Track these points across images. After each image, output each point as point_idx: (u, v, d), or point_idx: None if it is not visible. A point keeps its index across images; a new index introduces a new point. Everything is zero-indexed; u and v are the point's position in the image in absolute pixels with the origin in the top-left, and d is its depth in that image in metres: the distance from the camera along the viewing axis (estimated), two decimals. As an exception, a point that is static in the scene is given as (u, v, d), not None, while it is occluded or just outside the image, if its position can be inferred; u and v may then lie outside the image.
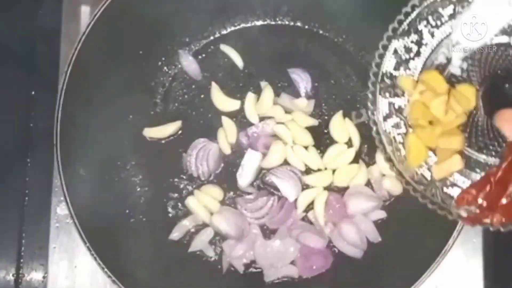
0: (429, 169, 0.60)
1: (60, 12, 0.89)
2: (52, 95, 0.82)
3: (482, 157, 0.59)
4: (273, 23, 0.92)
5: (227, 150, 0.88)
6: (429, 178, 0.59)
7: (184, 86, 0.91)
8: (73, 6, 0.89)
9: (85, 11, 0.89)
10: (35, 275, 0.85)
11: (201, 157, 0.87)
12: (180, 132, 0.90)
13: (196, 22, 0.90)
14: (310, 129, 0.88)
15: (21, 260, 0.85)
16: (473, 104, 0.58)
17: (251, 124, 0.88)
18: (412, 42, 0.61)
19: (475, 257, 0.83)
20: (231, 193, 0.88)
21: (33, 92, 0.90)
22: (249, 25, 0.92)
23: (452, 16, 0.58)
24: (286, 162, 0.87)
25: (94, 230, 0.77)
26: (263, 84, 0.89)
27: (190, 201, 0.86)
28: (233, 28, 0.92)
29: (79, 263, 0.84)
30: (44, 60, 0.89)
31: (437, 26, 0.59)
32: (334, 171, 0.87)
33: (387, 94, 0.61)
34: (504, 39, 0.58)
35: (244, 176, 0.86)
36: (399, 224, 0.84)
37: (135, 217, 0.85)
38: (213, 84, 0.90)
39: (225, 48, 0.91)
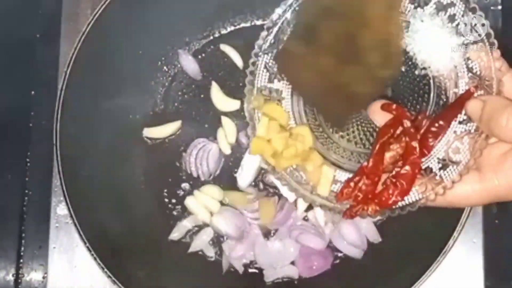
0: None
1: (60, 12, 0.89)
2: (52, 95, 0.82)
3: (360, 150, 0.61)
4: (273, 23, 0.92)
5: (227, 150, 0.88)
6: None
7: (184, 86, 0.91)
8: (73, 6, 0.89)
9: (85, 11, 0.89)
10: (35, 275, 0.85)
11: (201, 157, 0.87)
12: (180, 132, 0.90)
13: (196, 22, 0.90)
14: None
15: (21, 260, 0.85)
16: (309, 143, 0.59)
17: (251, 124, 0.88)
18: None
19: (475, 257, 0.83)
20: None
21: (33, 92, 0.90)
22: (249, 25, 0.92)
23: None
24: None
25: (94, 230, 0.77)
26: (263, 84, 0.89)
27: (190, 201, 0.86)
28: (233, 28, 0.92)
29: (79, 263, 0.84)
30: (44, 60, 0.89)
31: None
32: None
33: None
34: None
35: (244, 176, 0.86)
36: (399, 224, 0.84)
37: (135, 217, 0.85)
38: (213, 83, 0.90)
39: (225, 48, 0.91)
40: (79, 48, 0.78)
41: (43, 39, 0.90)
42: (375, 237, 0.84)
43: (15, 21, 0.91)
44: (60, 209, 0.85)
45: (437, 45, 0.56)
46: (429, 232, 0.78)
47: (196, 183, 0.88)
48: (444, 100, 0.57)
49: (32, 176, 0.88)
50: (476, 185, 0.53)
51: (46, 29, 0.90)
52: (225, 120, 0.88)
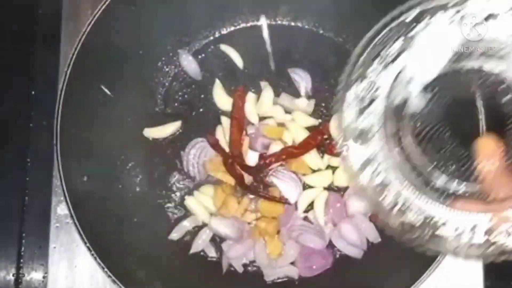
0: None
1: (60, 12, 0.89)
2: (52, 95, 0.82)
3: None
4: (273, 23, 0.92)
5: (225, 148, 0.88)
6: None
7: (184, 86, 0.91)
8: (73, 6, 0.89)
9: (85, 11, 0.89)
10: (35, 275, 0.85)
11: (198, 156, 0.87)
12: (180, 132, 0.90)
13: (196, 22, 0.90)
14: (310, 129, 0.88)
15: (21, 260, 0.85)
16: None
17: (251, 124, 0.88)
18: (365, 89, 0.60)
19: (475, 257, 0.83)
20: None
21: (33, 92, 0.90)
22: (249, 25, 0.92)
23: (401, 51, 0.57)
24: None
25: (94, 230, 0.77)
26: (263, 84, 0.89)
27: (189, 202, 0.86)
28: (233, 28, 0.92)
29: (79, 263, 0.84)
30: (44, 60, 0.89)
31: (388, 64, 0.58)
32: (334, 171, 0.87)
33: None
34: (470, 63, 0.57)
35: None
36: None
37: (135, 217, 0.85)
38: (216, 81, 0.89)
39: (225, 48, 0.91)
40: (79, 48, 0.77)
41: (43, 39, 0.91)
42: (375, 237, 0.84)
43: (15, 21, 0.92)
44: (60, 209, 0.85)
45: None
46: (429, 232, 0.78)
47: (195, 183, 0.88)
48: None
49: (32, 176, 0.88)
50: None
51: (46, 29, 0.90)
52: (224, 119, 0.88)
